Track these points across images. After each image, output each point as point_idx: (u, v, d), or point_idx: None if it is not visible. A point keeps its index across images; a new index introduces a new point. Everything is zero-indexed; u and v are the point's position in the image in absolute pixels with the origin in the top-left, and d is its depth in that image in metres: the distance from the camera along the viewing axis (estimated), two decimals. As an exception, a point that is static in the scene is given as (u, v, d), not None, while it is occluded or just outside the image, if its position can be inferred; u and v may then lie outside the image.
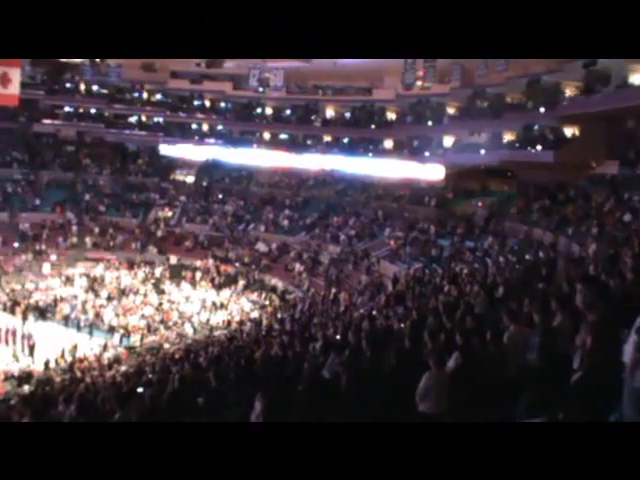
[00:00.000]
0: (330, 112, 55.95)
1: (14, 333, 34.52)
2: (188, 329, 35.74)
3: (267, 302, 39.63)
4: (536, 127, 40.92)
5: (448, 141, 47.13)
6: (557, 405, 5.39)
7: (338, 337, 16.08)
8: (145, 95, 60.84)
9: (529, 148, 39.24)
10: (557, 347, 7.27)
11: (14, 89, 28.15)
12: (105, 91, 59.92)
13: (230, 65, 48.97)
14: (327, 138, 54.91)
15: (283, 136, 56.61)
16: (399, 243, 40.70)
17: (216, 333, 32.56)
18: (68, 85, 59.38)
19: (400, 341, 10.95)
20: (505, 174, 42.71)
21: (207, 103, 59.68)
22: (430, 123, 48.56)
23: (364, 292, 32.02)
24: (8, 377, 26.65)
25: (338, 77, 50.67)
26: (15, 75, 28.08)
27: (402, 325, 15.13)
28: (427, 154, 46.61)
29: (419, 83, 43.69)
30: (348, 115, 55.38)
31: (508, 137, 42.96)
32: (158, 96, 60.73)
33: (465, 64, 41.55)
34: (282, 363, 13.45)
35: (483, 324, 10.56)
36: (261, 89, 51.62)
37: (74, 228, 50.95)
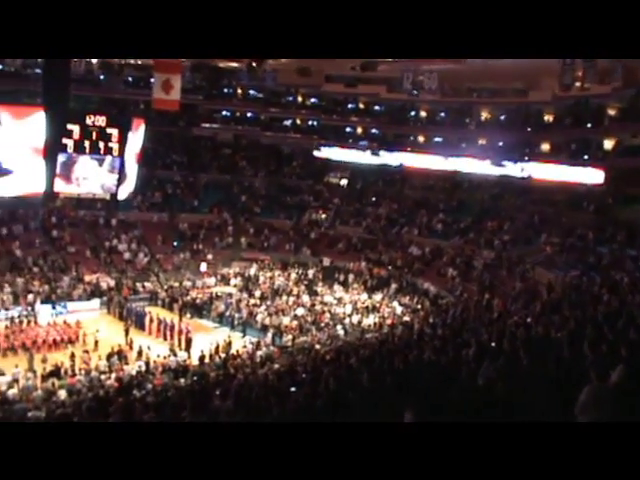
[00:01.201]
0: (485, 114, 54.92)
1: (172, 328, 35.73)
2: (339, 331, 35.87)
3: (419, 306, 39.30)
4: None
5: (608, 144, 45.28)
6: None
7: (492, 344, 15.68)
8: (300, 99, 61.76)
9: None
10: None
11: (175, 95, 29.19)
12: (261, 95, 61.27)
13: (384, 68, 48.89)
14: (482, 141, 53.93)
15: (437, 139, 56.01)
16: (555, 249, 39.48)
17: (367, 336, 32.54)
18: (225, 90, 61.05)
19: (558, 350, 10.55)
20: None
21: (361, 106, 59.88)
22: (589, 125, 46.81)
23: (518, 299, 31.18)
24: (166, 369, 27.53)
25: (493, 79, 49.64)
26: (176, 81, 29.12)
27: (559, 334, 14.60)
28: (586, 157, 44.96)
29: (578, 84, 42.21)
30: (503, 117, 54.20)
31: (675, 139, 40.88)
32: (313, 99, 61.50)
33: (627, 63, 39.77)
34: (435, 368, 13.22)
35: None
36: (415, 92, 51.30)
37: (230, 229, 52.31)
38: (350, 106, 60.19)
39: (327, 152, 58.37)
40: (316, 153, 58.72)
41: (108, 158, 22.14)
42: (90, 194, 22.79)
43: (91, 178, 21.84)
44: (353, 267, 46.73)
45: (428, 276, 43.89)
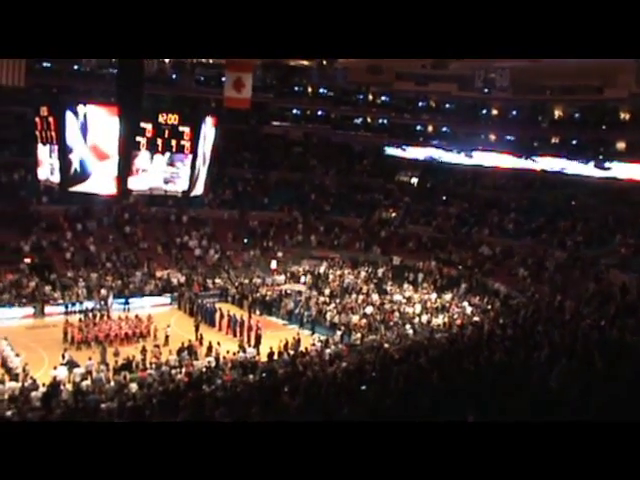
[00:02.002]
0: (558, 112, 53.99)
1: (242, 325, 36.00)
2: (408, 330, 35.69)
3: (489, 306, 38.86)
4: None
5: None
6: None
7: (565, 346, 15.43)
8: (370, 97, 61.70)
9: None
10: None
11: (246, 93, 29.43)
12: (331, 93, 61.40)
13: (456, 66, 48.54)
14: (555, 139, 53.06)
15: (509, 137, 55.34)
16: (631, 250, 38.63)
17: (437, 336, 32.29)
18: (296, 88, 61.33)
19: (635, 355, 10.33)
20: None
21: (432, 104, 59.52)
22: (668, 123, 45.69)
23: (591, 301, 30.60)
24: (235, 366, 27.73)
25: (566, 76, 48.72)
26: (248, 80, 29.34)
27: (634, 338, 14.31)
28: (664, 156, 43.90)
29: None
30: (577, 115, 53.23)
31: None
32: (383, 97, 61.37)
33: None
34: (507, 369, 13.07)
35: None
36: (486, 89, 50.78)
37: (300, 226, 52.51)
38: (421, 104, 59.94)
39: (397, 150, 58.17)
40: (387, 151, 58.57)
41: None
42: (160, 190, 23.01)
43: (151, 171, 22.12)
44: (423, 266, 46.47)
45: (499, 276, 43.38)
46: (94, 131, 20.96)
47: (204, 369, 26.93)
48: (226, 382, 23.80)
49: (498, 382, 11.63)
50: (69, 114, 21.00)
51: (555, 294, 35.22)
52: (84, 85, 51.28)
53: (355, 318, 37.91)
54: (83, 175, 21.24)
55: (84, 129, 20.95)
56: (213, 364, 27.83)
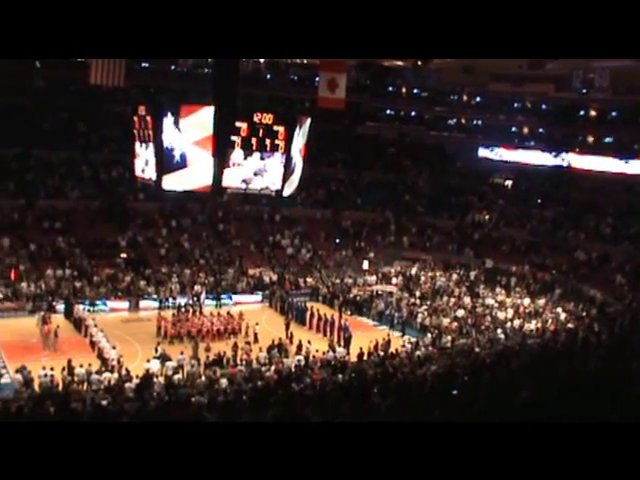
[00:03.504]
0: (661, 114, 52.49)
1: (332, 324, 36.09)
2: (500, 335, 35.19)
3: (584, 313, 37.98)
4: None
5: None
6: None
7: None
8: (465, 97, 61.12)
9: None
10: None
11: (340, 93, 29.63)
12: (425, 94, 61.09)
13: (553, 66, 47.60)
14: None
15: (608, 139, 54.04)
16: None
17: (529, 341, 31.79)
18: (390, 88, 61.21)
19: None
20: None
21: (528, 105, 58.58)
22: None
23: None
24: (324, 365, 27.86)
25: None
26: (342, 80, 29.54)
27: None
28: None
29: None
30: (681, 117, 51.65)
31: None
32: (477, 98, 60.75)
33: None
34: (602, 379, 12.77)
35: None
36: (585, 90, 49.66)
37: (392, 227, 52.40)
38: (516, 105, 59.04)
39: (492, 152, 57.51)
40: (481, 153, 57.95)
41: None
42: (254, 189, 23.33)
43: (245, 166, 22.45)
44: (516, 270, 45.78)
45: (595, 282, 42.27)
46: (188, 131, 21.40)
47: (294, 367, 27.14)
48: (315, 381, 23.96)
49: (594, 390, 11.38)
50: (166, 113, 21.51)
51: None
52: (180, 85, 52.30)
53: (446, 321, 37.59)
54: (182, 165, 21.72)
55: (179, 128, 21.40)
56: (303, 363, 28.01)
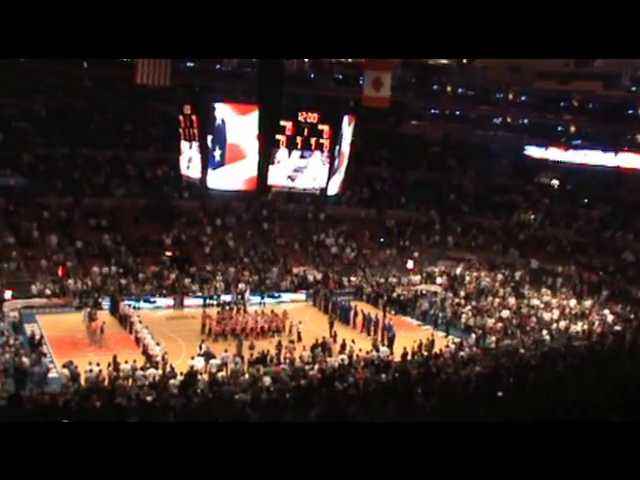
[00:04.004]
0: None
1: (376, 324, 36.02)
2: (545, 336, 34.82)
3: (632, 315, 37.43)
4: None
5: None
6: None
7: None
8: (510, 96, 60.55)
9: None
10: None
11: (385, 92, 29.55)
12: (470, 92, 60.66)
13: (600, 63, 47.00)
14: None
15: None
16: None
17: (575, 343, 31.42)
18: (435, 87, 60.90)
19: None
20: None
21: (575, 103, 57.86)
22: None
23: None
24: (368, 364, 27.78)
25: None
26: (386, 79, 29.45)
27: None
28: None
29: None
30: None
31: None
32: (523, 97, 60.16)
33: None
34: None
35: None
36: (634, 88, 48.94)
37: (437, 227, 52.19)
38: (562, 103, 58.35)
39: (538, 151, 56.91)
40: (527, 152, 57.38)
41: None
42: (297, 188, 23.36)
43: (288, 165, 22.51)
44: (562, 271, 45.32)
45: (643, 284, 41.69)
46: (233, 129, 21.50)
47: (337, 366, 27.11)
48: (359, 380, 23.89)
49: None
50: (211, 112, 21.64)
51: None
52: (225, 84, 52.55)
53: (490, 321, 37.29)
54: (227, 163, 21.84)
55: (224, 127, 21.51)
56: (346, 362, 27.98)
